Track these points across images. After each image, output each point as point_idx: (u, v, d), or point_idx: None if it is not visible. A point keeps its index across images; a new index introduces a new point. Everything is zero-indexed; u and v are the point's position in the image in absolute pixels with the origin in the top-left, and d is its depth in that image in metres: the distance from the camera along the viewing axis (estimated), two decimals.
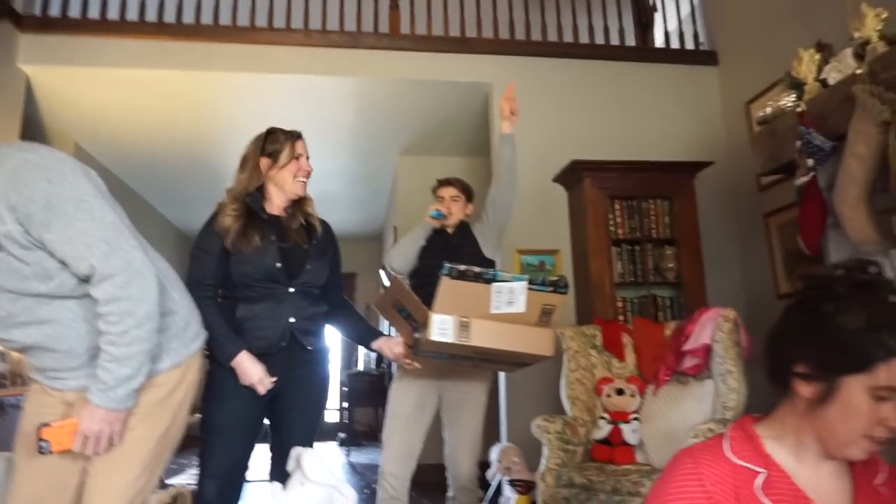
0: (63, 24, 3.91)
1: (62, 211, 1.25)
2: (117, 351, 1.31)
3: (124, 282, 1.30)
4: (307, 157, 2.07)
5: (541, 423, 2.74)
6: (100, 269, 1.28)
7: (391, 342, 2.20)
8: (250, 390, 1.87)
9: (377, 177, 5.98)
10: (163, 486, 3.91)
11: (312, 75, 4.12)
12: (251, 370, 1.85)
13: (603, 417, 2.82)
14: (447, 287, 1.95)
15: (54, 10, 3.99)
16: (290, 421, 1.99)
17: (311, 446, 1.88)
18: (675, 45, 4.64)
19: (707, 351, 2.71)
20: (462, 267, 1.96)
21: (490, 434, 2.88)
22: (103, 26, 3.95)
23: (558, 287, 1.98)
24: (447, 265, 1.96)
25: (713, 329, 2.70)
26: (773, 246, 3.67)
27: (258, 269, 1.92)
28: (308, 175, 2.05)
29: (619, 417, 2.78)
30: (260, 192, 2.03)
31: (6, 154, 1.26)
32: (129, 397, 1.35)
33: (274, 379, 1.88)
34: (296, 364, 1.97)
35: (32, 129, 4.32)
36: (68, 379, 1.40)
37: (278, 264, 1.93)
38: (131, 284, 1.31)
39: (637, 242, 3.77)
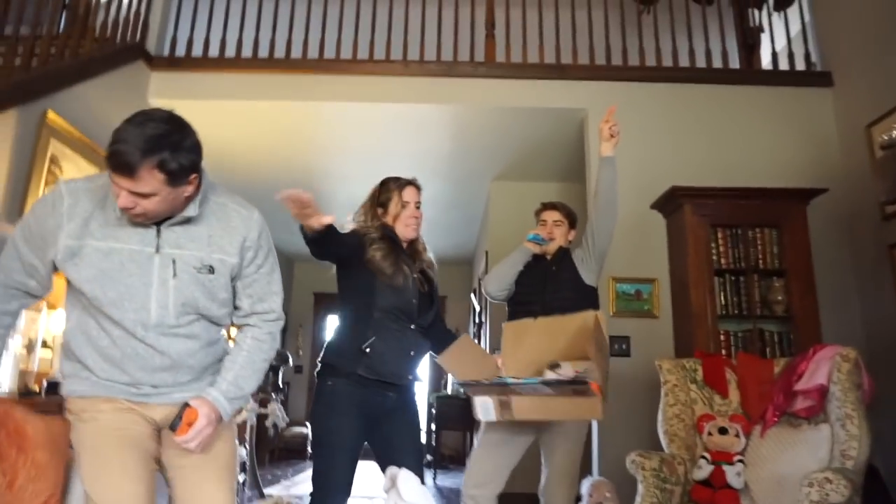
0: (187, 63, 4.29)
1: (273, 260, 1.69)
2: (254, 375, 1.63)
3: (281, 326, 1.70)
4: (417, 204, 2.23)
5: (636, 459, 2.63)
6: (277, 310, 1.68)
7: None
8: (357, 408, 2.01)
9: (470, 202, 6.05)
10: (261, 495, 4.08)
11: (410, 103, 4.26)
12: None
13: (704, 457, 2.66)
14: (471, 390, 2.05)
15: (180, 51, 4.38)
16: (400, 443, 2.11)
17: (422, 466, 2.04)
18: (783, 65, 4.41)
19: (822, 392, 2.51)
20: (482, 381, 2.02)
21: (582, 466, 2.80)
22: (220, 63, 4.29)
23: (577, 383, 1.90)
24: (461, 382, 2.06)
25: (830, 369, 2.51)
26: None
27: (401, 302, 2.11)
28: (415, 220, 2.22)
29: (721, 458, 2.62)
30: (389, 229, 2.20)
31: (243, 203, 1.68)
32: (234, 411, 1.59)
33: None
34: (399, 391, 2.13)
35: None
36: (174, 393, 1.55)
37: (414, 300, 2.14)
38: (280, 329, 1.71)
39: (742, 273, 3.58)
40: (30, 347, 2.87)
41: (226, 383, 1.57)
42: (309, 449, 7.89)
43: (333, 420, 2.02)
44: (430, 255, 2.31)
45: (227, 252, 1.57)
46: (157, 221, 1.49)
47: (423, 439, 7.94)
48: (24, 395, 2.69)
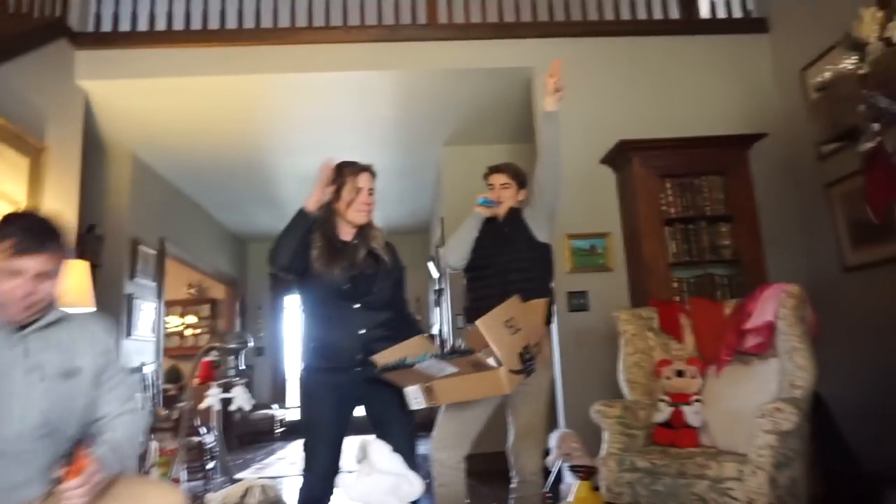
0: (115, 39, 4.06)
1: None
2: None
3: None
4: (370, 190, 2.25)
5: (600, 409, 2.71)
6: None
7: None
8: (331, 393, 2.14)
9: (422, 169, 6.01)
10: (232, 480, 4.06)
11: (354, 71, 4.16)
12: (317, 189, 2.13)
13: (663, 400, 2.76)
14: (393, 376, 2.07)
15: (106, 26, 4.14)
16: (388, 415, 2.19)
17: (412, 435, 2.19)
18: (721, 14, 4.47)
19: (770, 329, 2.62)
20: (391, 363, 2.04)
21: (548, 421, 2.87)
22: (152, 38, 4.08)
23: (463, 353, 1.99)
24: (380, 368, 2.06)
25: (776, 306, 2.61)
26: (837, 217, 3.51)
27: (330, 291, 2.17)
28: (367, 206, 2.24)
29: (679, 399, 2.72)
30: (332, 222, 2.25)
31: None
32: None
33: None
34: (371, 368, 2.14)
35: (92, 142, 4.51)
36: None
37: (346, 286, 2.17)
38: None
39: (691, 221, 3.68)
40: None
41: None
42: (279, 428, 7.86)
43: (310, 407, 2.22)
44: (380, 234, 2.32)
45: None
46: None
47: None
48: None
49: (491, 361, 1.90)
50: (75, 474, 1.39)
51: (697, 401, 2.69)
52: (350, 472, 1.88)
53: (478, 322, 1.93)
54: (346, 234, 2.27)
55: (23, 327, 1.50)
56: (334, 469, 2.12)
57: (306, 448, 2.16)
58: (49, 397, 1.50)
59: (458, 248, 2.63)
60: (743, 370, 2.67)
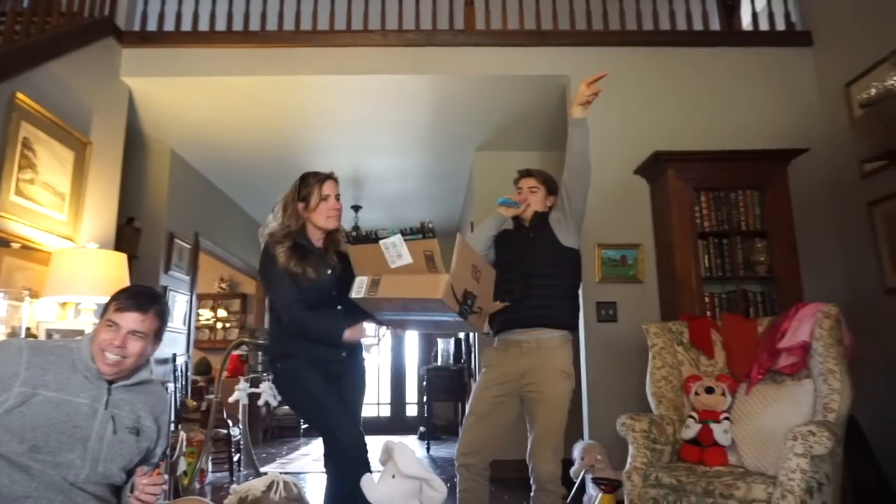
0: (159, 38, 4.17)
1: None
2: None
3: None
4: (336, 196, 2.36)
5: (626, 421, 2.68)
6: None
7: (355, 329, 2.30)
8: (315, 368, 2.23)
9: (454, 173, 6.01)
10: (258, 473, 4.11)
11: (390, 74, 4.19)
12: (363, 330, 2.26)
13: (691, 416, 2.72)
14: (355, 252, 2.21)
15: (151, 25, 4.25)
16: (351, 400, 2.33)
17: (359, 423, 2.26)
18: (763, 26, 4.39)
19: (805, 349, 2.56)
20: (364, 232, 2.19)
21: (573, 431, 2.85)
22: (195, 37, 4.17)
23: (425, 232, 2.08)
24: (352, 234, 2.21)
25: (812, 326, 2.55)
26: (879, 237, 3.41)
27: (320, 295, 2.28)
28: (335, 211, 2.35)
29: (708, 417, 2.68)
30: (303, 230, 2.36)
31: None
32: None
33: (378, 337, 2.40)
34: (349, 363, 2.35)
35: (134, 137, 4.63)
36: None
37: (334, 292, 2.30)
38: None
39: (725, 235, 3.62)
40: (13, 336, 2.83)
41: None
42: (304, 425, 7.95)
43: (302, 380, 2.24)
44: (343, 237, 2.41)
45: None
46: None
47: (415, 411, 8.03)
48: None
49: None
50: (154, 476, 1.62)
51: (727, 419, 2.64)
52: (373, 472, 1.89)
53: (459, 236, 2.12)
54: (317, 240, 2.38)
55: (111, 382, 1.69)
56: (357, 423, 2.23)
57: (330, 431, 2.18)
58: (115, 448, 1.65)
59: (474, 243, 2.64)
60: (775, 390, 2.62)
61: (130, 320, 1.66)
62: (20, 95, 3.03)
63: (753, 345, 2.82)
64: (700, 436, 2.65)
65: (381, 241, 2.09)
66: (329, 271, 2.31)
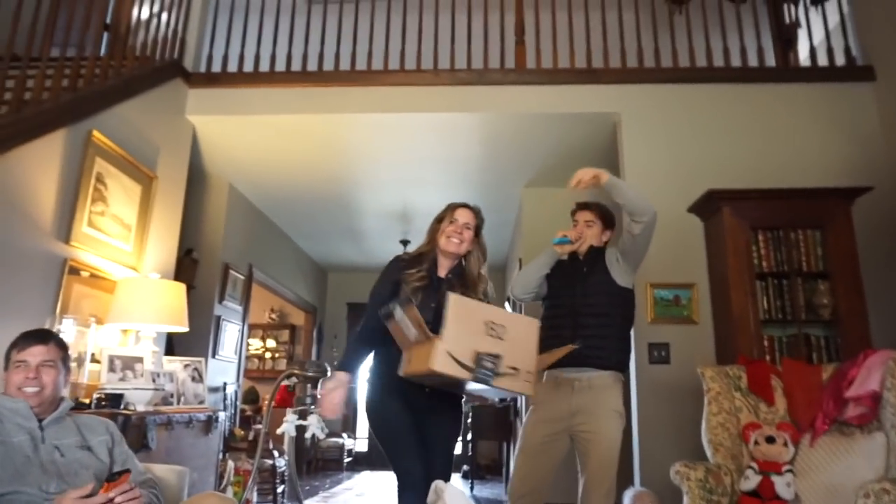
0: (223, 79, 4.38)
1: None
2: None
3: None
4: (466, 225, 2.36)
5: (681, 469, 2.58)
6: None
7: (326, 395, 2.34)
8: (401, 396, 2.18)
9: (502, 209, 6.03)
10: None
11: (441, 112, 4.27)
12: (332, 388, 2.28)
13: (751, 467, 2.58)
14: (391, 327, 2.07)
15: (216, 67, 4.48)
16: (433, 442, 2.24)
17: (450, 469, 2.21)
18: (822, 61, 4.30)
19: (875, 399, 2.42)
20: (383, 311, 2.07)
21: (623, 478, 2.75)
22: (255, 77, 4.37)
23: (401, 301, 2.03)
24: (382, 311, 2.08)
25: (883, 374, 2.42)
26: None
27: None
28: (459, 234, 2.33)
29: (769, 468, 2.54)
30: (435, 257, 2.38)
31: None
32: None
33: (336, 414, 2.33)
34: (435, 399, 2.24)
35: (195, 172, 4.84)
36: None
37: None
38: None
39: (785, 276, 3.48)
40: (79, 361, 2.95)
41: None
42: (347, 458, 7.92)
43: (383, 415, 2.23)
44: (482, 273, 2.39)
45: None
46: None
47: (458, 449, 7.93)
48: (75, 406, 2.76)
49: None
50: (120, 485, 1.58)
51: (789, 471, 2.50)
52: None
53: (451, 295, 1.96)
54: (443, 268, 2.38)
55: (40, 420, 1.77)
56: (426, 477, 2.04)
57: (395, 462, 2.14)
58: (73, 465, 1.73)
59: (524, 282, 2.64)
60: (843, 442, 2.47)
61: (36, 353, 1.79)
62: (96, 133, 3.22)
63: (817, 392, 2.68)
64: (760, 488, 2.51)
65: (394, 310, 2.00)
66: (433, 305, 2.18)
